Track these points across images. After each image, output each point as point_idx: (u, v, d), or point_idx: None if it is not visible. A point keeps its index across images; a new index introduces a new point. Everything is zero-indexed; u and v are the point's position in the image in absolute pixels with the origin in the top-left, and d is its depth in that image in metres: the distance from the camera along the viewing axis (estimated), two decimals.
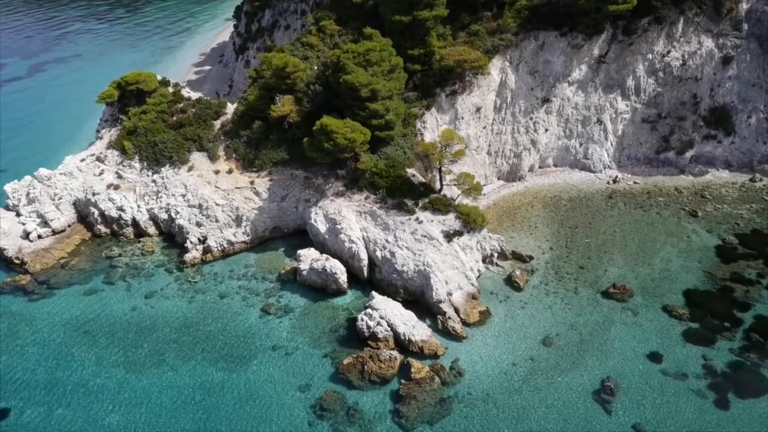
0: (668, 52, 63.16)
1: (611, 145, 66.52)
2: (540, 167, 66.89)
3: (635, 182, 64.91)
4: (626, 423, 36.18)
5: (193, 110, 59.80)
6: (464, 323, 43.49)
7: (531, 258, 51.11)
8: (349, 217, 49.29)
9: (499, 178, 64.76)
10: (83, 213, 56.48)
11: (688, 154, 66.14)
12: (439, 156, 47.09)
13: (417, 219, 47.34)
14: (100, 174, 56.76)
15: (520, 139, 63.06)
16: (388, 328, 41.30)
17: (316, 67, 59.14)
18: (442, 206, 47.75)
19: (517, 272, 48.62)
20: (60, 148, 74.39)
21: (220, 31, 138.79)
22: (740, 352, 41.18)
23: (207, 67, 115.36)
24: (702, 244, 53.43)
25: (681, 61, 63.55)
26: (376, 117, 49.73)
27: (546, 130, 63.91)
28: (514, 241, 53.82)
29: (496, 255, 50.08)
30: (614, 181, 64.88)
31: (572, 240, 54.43)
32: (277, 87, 55.26)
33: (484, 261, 49.50)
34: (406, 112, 53.86)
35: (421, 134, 55.91)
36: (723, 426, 35.89)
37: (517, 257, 51.10)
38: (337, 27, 63.00)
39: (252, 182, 54.66)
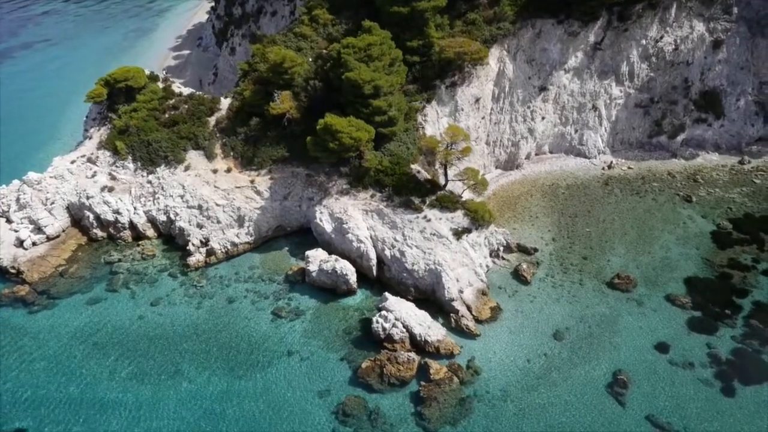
0: (661, 37, 63.49)
1: (605, 130, 67.15)
2: (536, 154, 67.25)
3: (629, 167, 65.84)
4: (640, 415, 37.38)
5: (186, 106, 57.94)
6: (476, 320, 44.03)
7: (536, 250, 51.72)
8: (356, 216, 48.95)
9: (496, 167, 64.95)
10: (77, 217, 54.77)
11: (680, 137, 67.25)
12: (447, 154, 46.81)
13: (425, 217, 47.29)
14: (93, 176, 54.90)
15: (517, 128, 63.11)
16: (404, 330, 41.58)
17: (310, 59, 57.83)
18: (449, 203, 47.74)
19: (524, 266, 49.22)
20: (43, 147, 72.08)
21: (195, 12, 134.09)
22: (742, 339, 42.68)
23: (185, 52, 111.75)
24: (698, 230, 54.78)
25: (673, 46, 64.02)
26: (379, 113, 49.04)
27: (543, 118, 64.04)
28: (517, 233, 54.30)
29: (501, 249, 50.53)
30: (609, 167, 65.70)
31: (573, 229, 55.21)
32: (273, 82, 53.80)
33: (490, 255, 49.90)
34: (408, 107, 53.15)
35: (422, 128, 55.46)
36: (731, 413, 37.38)
37: (522, 250, 51.66)
38: (329, 16, 61.39)
39: (252, 181, 53.64)
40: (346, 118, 47.30)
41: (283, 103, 52.00)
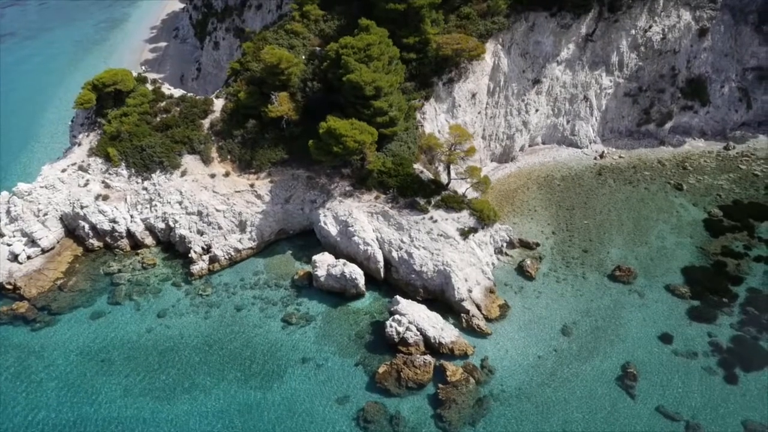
0: (650, 26, 64.39)
1: (596, 120, 68.13)
2: (529, 146, 67.87)
3: (620, 156, 67.07)
4: (650, 406, 38.79)
5: (178, 109, 56.49)
6: (487, 319, 44.71)
7: (537, 245, 52.55)
8: (361, 219, 48.84)
9: (492, 161, 65.43)
10: (71, 227, 53.29)
11: (668, 125, 68.73)
12: (452, 155, 46.88)
13: (431, 218, 47.49)
14: (86, 185, 53.31)
15: (512, 121, 63.51)
16: (418, 333, 42.00)
17: (304, 57, 56.85)
18: (455, 203, 48.00)
19: (528, 261, 49.99)
20: (24, 152, 69.49)
21: (167, 1, 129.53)
22: (740, 326, 44.43)
23: (162, 44, 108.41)
24: (690, 219, 56.39)
25: (661, 35, 65.00)
26: (380, 114, 48.70)
27: (536, 110, 64.55)
28: (518, 228, 55.01)
29: (504, 245, 51.12)
30: (601, 157, 66.81)
31: (571, 222, 56.18)
32: (269, 83, 52.76)
33: (494, 252, 50.47)
34: (408, 106, 52.83)
35: (421, 125, 55.29)
36: (734, 400, 39.05)
37: (525, 245, 52.43)
38: (321, 12, 60.20)
39: (252, 185, 52.92)
40: (349, 121, 46.84)
41: (281, 105, 51.11)
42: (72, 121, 59.26)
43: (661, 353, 42.60)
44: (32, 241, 50.62)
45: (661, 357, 42.27)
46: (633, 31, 63.84)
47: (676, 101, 68.23)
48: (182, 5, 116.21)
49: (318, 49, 57.48)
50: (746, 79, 69.43)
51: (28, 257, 50.12)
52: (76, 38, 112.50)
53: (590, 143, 68.40)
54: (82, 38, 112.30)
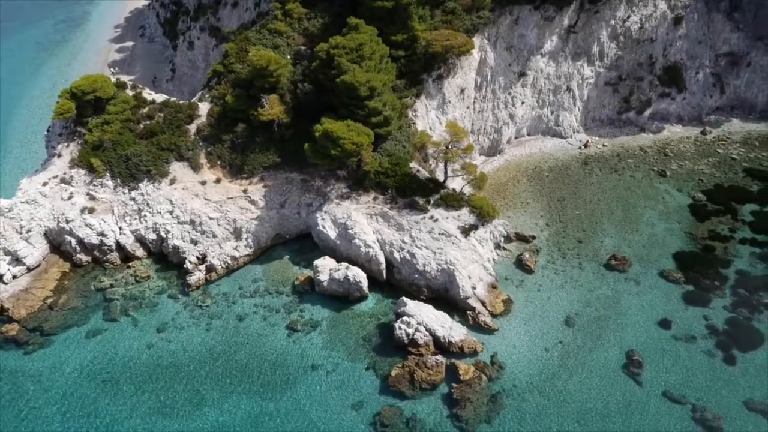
0: (628, 16, 65.53)
1: (578, 110, 69.16)
2: (515, 138, 68.44)
3: (604, 145, 68.36)
4: (657, 391, 40.02)
5: (161, 115, 54.58)
6: (492, 315, 45.11)
7: (533, 237, 53.20)
8: (360, 221, 48.42)
9: (480, 155, 65.69)
10: (56, 242, 51.12)
11: (647, 112, 70.36)
12: (451, 154, 46.84)
13: (432, 217, 47.44)
14: (70, 198, 51.11)
15: (499, 114, 63.90)
16: (427, 333, 42.08)
17: (289, 57, 55.71)
18: (454, 202, 48.06)
19: (526, 255, 50.57)
20: None
21: None
22: (733, 308, 46.22)
23: (129, 43, 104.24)
24: (676, 204, 58.05)
25: (639, 25, 66.27)
26: (374, 114, 48.22)
27: (522, 102, 65.09)
28: (512, 221, 55.45)
29: (502, 240, 51.59)
30: (585, 146, 67.91)
31: (564, 213, 57.06)
32: (257, 85, 51.51)
33: (494, 248, 50.86)
34: (401, 105, 52.44)
35: (413, 123, 55.01)
36: (735, 381, 40.65)
37: (521, 238, 52.99)
38: (303, 10, 58.96)
39: (245, 190, 51.78)
40: (344, 122, 46.18)
41: (272, 108, 49.99)
42: (48, 131, 56.57)
43: (661, 339, 43.92)
44: (16, 260, 48.35)
45: (662, 342, 43.59)
46: (612, 22, 64.87)
47: (654, 89, 69.81)
48: (146, 2, 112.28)
49: (303, 48, 56.45)
50: (719, 64, 71.59)
51: (14, 277, 47.91)
52: (35, 38, 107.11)
53: (574, 133, 69.45)
54: (42, 39, 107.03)
